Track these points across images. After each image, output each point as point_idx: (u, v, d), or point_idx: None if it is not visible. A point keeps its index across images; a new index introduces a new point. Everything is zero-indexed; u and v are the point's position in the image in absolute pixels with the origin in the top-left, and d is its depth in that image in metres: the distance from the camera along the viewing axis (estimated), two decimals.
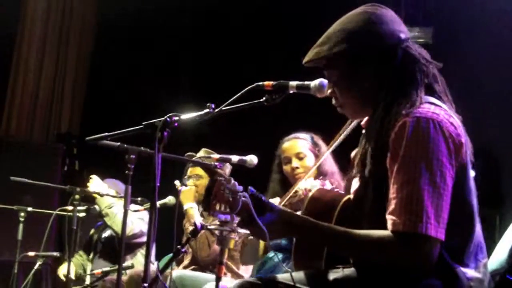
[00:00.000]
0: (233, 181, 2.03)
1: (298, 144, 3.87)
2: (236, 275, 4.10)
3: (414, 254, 1.90)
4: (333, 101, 2.25)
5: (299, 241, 2.30)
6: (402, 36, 2.13)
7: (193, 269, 4.22)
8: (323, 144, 3.83)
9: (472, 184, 2.05)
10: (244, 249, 4.02)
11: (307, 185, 3.48)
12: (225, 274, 4.05)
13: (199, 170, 4.41)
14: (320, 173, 3.83)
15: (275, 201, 3.51)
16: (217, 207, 2.01)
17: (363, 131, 2.30)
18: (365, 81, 2.14)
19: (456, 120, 2.07)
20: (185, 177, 4.32)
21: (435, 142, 1.93)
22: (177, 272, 3.94)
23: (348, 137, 2.69)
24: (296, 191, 3.48)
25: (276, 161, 3.97)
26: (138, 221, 4.94)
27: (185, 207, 4.24)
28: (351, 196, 2.25)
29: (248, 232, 2.13)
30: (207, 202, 2.01)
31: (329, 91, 2.24)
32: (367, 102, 2.16)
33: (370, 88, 2.14)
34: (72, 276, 4.67)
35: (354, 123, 2.53)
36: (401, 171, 1.93)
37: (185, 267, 4.28)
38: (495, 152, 5.49)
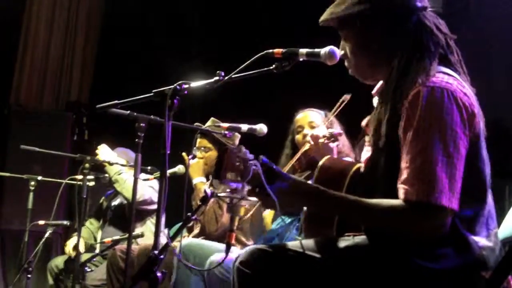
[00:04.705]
0: (243, 149, 2.04)
1: (312, 114, 3.92)
2: (245, 246, 4.11)
3: (426, 223, 1.90)
4: (346, 63, 2.26)
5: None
6: (418, 4, 2.14)
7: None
8: (336, 120, 3.83)
9: (485, 153, 2.04)
10: (251, 224, 4.04)
11: (317, 132, 3.49)
12: (233, 245, 4.05)
13: (207, 142, 4.41)
14: None
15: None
16: (229, 175, 2.01)
17: (373, 100, 2.29)
18: (376, 44, 2.15)
19: (469, 90, 2.06)
20: (194, 148, 4.30)
21: (448, 112, 1.93)
22: (185, 240, 3.95)
23: (358, 106, 2.68)
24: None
25: (290, 137, 3.98)
26: (148, 188, 4.93)
27: (194, 181, 4.23)
28: (362, 164, 2.25)
29: (257, 200, 2.14)
30: (218, 170, 2.01)
31: (342, 52, 2.24)
32: (378, 66, 2.17)
33: (382, 51, 2.14)
34: (82, 249, 4.68)
35: None
36: (415, 141, 1.92)
37: (194, 237, 4.29)
38: (506, 123, 5.45)
